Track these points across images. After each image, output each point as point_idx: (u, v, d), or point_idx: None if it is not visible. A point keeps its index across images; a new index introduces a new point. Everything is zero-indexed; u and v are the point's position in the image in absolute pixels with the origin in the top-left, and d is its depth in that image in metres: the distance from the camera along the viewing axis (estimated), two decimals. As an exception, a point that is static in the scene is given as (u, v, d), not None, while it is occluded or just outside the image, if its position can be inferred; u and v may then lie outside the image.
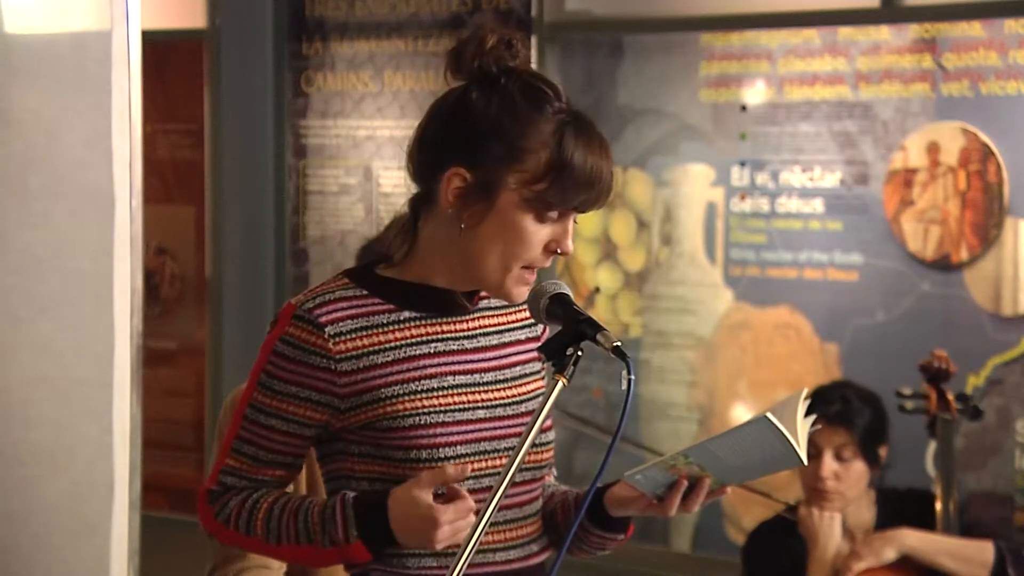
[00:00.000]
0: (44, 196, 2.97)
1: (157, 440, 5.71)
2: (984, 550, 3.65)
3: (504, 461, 2.26)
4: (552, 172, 2.22)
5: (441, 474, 2.21)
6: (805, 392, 2.33)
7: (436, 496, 2.22)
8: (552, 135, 2.23)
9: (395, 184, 5.61)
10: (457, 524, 2.20)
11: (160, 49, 5.83)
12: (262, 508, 2.30)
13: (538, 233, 2.25)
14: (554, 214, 2.25)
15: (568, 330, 2.19)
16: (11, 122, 2.94)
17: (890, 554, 3.63)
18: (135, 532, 3.11)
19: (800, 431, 2.25)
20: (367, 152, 5.67)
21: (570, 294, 2.25)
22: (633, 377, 2.12)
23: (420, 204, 2.32)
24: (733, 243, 4.99)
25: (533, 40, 5.22)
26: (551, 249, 2.27)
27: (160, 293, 6.03)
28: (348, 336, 2.27)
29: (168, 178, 6.01)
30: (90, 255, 3.03)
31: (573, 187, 2.23)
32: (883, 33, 4.73)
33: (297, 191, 5.85)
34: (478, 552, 2.27)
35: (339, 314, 2.28)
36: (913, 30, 4.67)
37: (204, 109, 5.91)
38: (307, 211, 5.83)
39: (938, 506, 3.76)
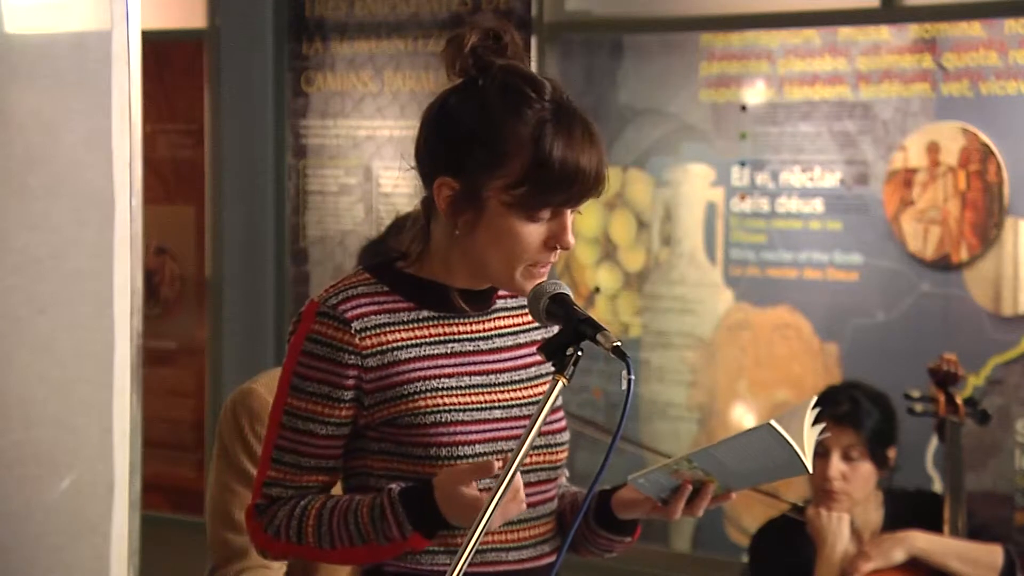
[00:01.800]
0: (44, 196, 2.97)
1: (157, 440, 5.71)
2: (993, 553, 3.65)
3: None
4: (531, 175, 2.21)
5: (486, 468, 2.21)
6: (813, 400, 2.32)
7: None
8: (530, 137, 2.21)
9: (395, 184, 5.61)
10: (508, 507, 2.20)
11: (160, 49, 5.83)
12: (311, 515, 2.28)
13: (533, 233, 2.25)
14: (546, 213, 2.24)
15: (568, 330, 2.19)
16: (11, 122, 2.94)
17: (899, 555, 3.63)
18: (135, 532, 3.10)
19: (807, 439, 2.25)
20: (367, 152, 5.67)
21: (570, 294, 2.25)
22: (633, 377, 2.12)
23: (429, 206, 2.33)
24: (733, 243, 4.99)
25: (533, 40, 5.22)
26: (550, 246, 2.27)
27: (160, 293, 6.03)
28: (373, 331, 2.27)
29: (168, 178, 6.01)
30: (90, 255, 3.02)
31: (553, 187, 2.22)
32: (883, 33, 4.73)
33: (297, 191, 5.85)
34: (491, 551, 2.29)
35: (364, 309, 2.28)
36: (913, 30, 4.67)
37: (204, 109, 5.91)
38: (307, 211, 5.83)
39: (946, 509, 3.75)
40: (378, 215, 5.65)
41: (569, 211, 2.26)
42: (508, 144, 2.21)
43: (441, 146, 2.26)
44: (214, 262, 5.91)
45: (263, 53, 5.85)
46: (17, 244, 2.95)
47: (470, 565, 2.08)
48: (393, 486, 2.25)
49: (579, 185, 2.23)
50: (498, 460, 2.22)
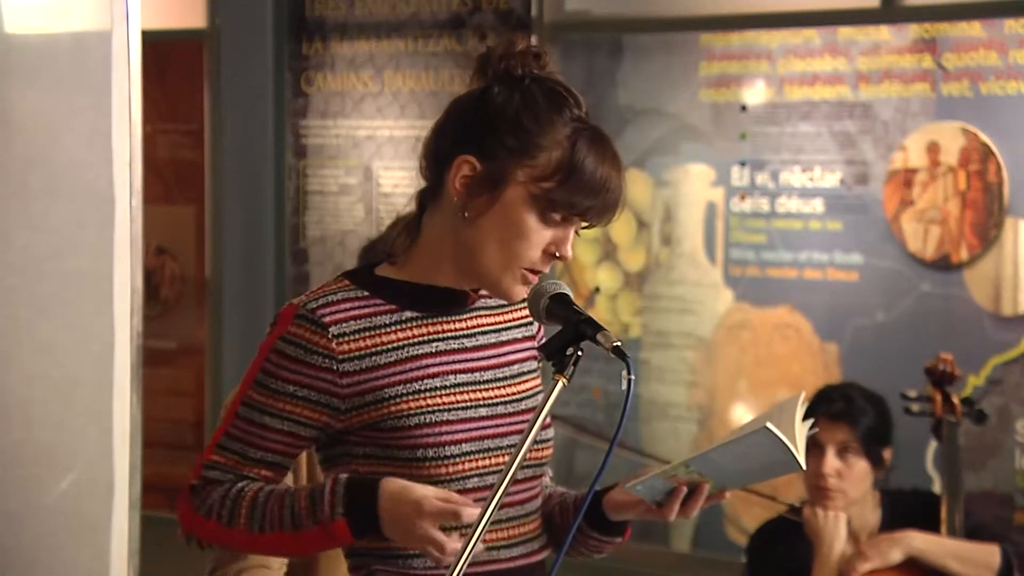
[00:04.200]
0: (44, 196, 2.97)
1: (157, 440, 5.70)
2: (991, 553, 3.64)
3: (506, 459, 2.26)
4: (561, 173, 2.23)
5: (450, 514, 2.16)
6: (803, 396, 2.33)
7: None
8: (567, 138, 2.24)
9: (395, 184, 5.61)
10: (433, 537, 2.15)
11: (160, 49, 5.83)
12: (247, 496, 2.27)
13: (539, 233, 2.25)
14: (557, 217, 2.25)
15: (568, 330, 2.19)
16: (11, 122, 2.94)
17: (896, 556, 3.63)
18: (135, 532, 3.10)
19: (798, 436, 2.25)
20: (367, 152, 5.67)
21: (570, 294, 2.26)
22: (633, 377, 2.12)
23: (427, 197, 2.33)
24: (733, 243, 4.99)
25: (533, 40, 5.22)
26: (550, 252, 2.27)
27: (160, 293, 6.03)
28: (351, 337, 2.27)
29: (168, 178, 6.01)
30: (90, 255, 3.02)
31: (580, 192, 2.24)
32: (883, 33, 4.73)
33: (297, 191, 5.85)
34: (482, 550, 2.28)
35: (342, 315, 2.28)
36: (913, 30, 4.67)
37: (204, 109, 5.91)
38: (307, 211, 5.83)
39: (943, 508, 3.75)
40: (378, 215, 5.65)
41: (576, 225, 2.28)
42: (545, 138, 2.24)
43: (474, 125, 2.27)
44: (214, 262, 5.91)
45: (263, 53, 5.85)
46: (17, 244, 2.95)
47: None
48: (342, 475, 2.24)
49: (603, 198, 2.26)
50: (467, 497, 2.21)
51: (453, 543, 2.15)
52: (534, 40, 2.37)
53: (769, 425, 2.21)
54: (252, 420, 2.29)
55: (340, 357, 2.27)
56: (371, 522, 2.21)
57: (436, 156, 2.31)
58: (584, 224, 2.30)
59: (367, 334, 2.28)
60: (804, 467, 2.26)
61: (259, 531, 2.26)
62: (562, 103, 2.26)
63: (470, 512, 2.14)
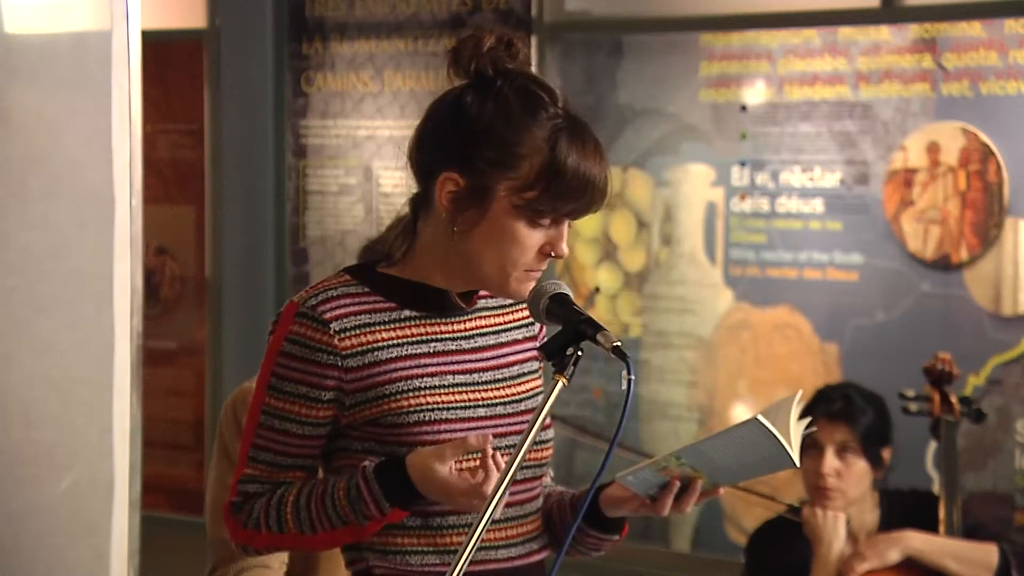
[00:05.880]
0: (44, 196, 2.97)
1: (157, 440, 5.71)
2: (989, 553, 3.65)
3: (505, 459, 2.26)
4: (543, 180, 2.22)
5: (462, 445, 2.21)
6: (799, 395, 2.33)
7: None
8: (545, 141, 2.23)
9: (395, 184, 5.61)
10: (472, 502, 2.19)
11: (160, 49, 5.83)
12: (288, 502, 2.29)
13: (531, 237, 2.25)
14: (547, 220, 2.25)
15: (568, 330, 2.19)
16: (11, 122, 2.94)
17: (894, 556, 3.63)
18: (135, 532, 3.10)
19: (793, 433, 2.25)
20: (367, 152, 5.67)
21: (570, 294, 2.26)
22: (633, 377, 2.12)
23: (419, 204, 2.33)
24: (733, 243, 5.00)
25: (533, 40, 5.22)
26: (546, 252, 2.27)
27: (160, 293, 6.03)
28: (352, 332, 2.28)
29: (168, 178, 6.01)
30: (90, 255, 3.02)
31: (564, 195, 2.23)
32: (883, 33, 4.73)
33: (297, 191, 5.85)
34: (480, 549, 2.27)
35: (342, 310, 2.28)
36: (913, 30, 4.68)
37: (204, 109, 5.91)
38: (307, 211, 5.83)
39: (941, 508, 3.76)
40: (378, 215, 5.65)
41: (568, 221, 2.27)
42: (523, 145, 2.22)
43: (452, 140, 2.26)
44: (214, 262, 5.92)
45: (263, 53, 5.86)
46: (17, 244, 2.95)
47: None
48: (367, 463, 2.25)
49: (589, 195, 2.25)
50: (480, 434, 2.23)
51: (489, 485, 2.17)
52: (505, 32, 2.32)
53: (760, 417, 2.21)
54: (274, 428, 2.30)
55: (343, 353, 2.27)
56: (415, 497, 2.23)
57: (420, 167, 2.31)
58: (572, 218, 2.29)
59: (367, 330, 2.29)
60: (797, 464, 2.26)
61: (311, 532, 2.28)
62: (537, 103, 2.24)
63: (494, 479, 2.17)
